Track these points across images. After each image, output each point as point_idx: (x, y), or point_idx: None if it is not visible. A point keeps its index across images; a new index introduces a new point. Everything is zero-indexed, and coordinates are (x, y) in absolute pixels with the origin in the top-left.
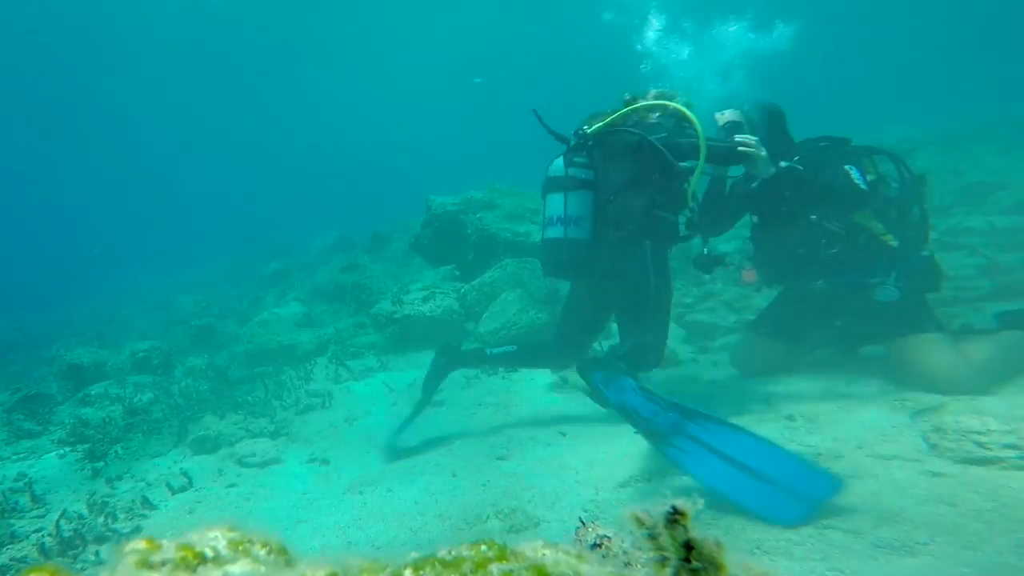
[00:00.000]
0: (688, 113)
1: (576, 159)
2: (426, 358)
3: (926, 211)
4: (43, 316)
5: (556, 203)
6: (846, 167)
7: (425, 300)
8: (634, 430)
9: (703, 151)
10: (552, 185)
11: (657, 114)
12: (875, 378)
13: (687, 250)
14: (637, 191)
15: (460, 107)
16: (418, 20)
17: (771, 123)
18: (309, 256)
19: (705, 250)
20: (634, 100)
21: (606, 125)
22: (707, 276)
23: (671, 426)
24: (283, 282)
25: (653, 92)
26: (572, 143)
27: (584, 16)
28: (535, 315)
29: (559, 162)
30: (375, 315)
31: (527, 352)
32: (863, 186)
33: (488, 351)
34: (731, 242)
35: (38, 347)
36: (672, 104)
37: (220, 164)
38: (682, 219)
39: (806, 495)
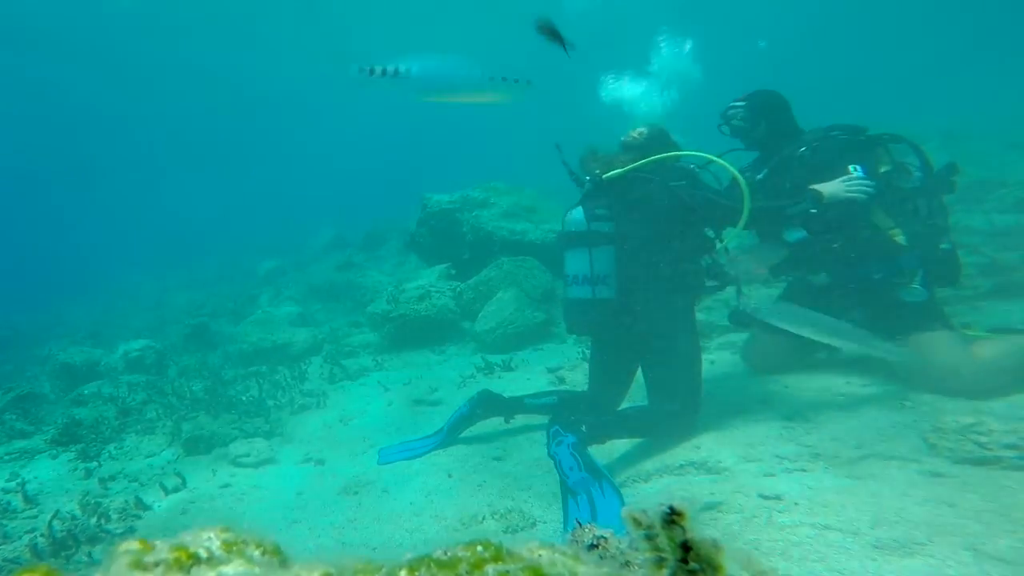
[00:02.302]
0: (733, 170)
1: (597, 211)
2: (422, 357)
3: (942, 202)
4: (36, 315)
5: (580, 260)
6: (851, 167)
7: (421, 299)
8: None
9: (746, 212)
10: (574, 240)
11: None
12: (875, 378)
13: None
14: (662, 244)
15: (456, 105)
16: (415, 18)
17: (770, 116)
18: (304, 255)
19: (740, 305)
20: (629, 140)
21: (624, 172)
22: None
23: (578, 483)
24: (277, 281)
25: (641, 130)
26: (588, 188)
27: (584, 15)
28: (531, 314)
29: (579, 214)
30: (370, 314)
31: (567, 403)
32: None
33: (527, 401)
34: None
35: (31, 346)
36: (703, 155)
37: (215, 162)
38: (706, 262)
39: None
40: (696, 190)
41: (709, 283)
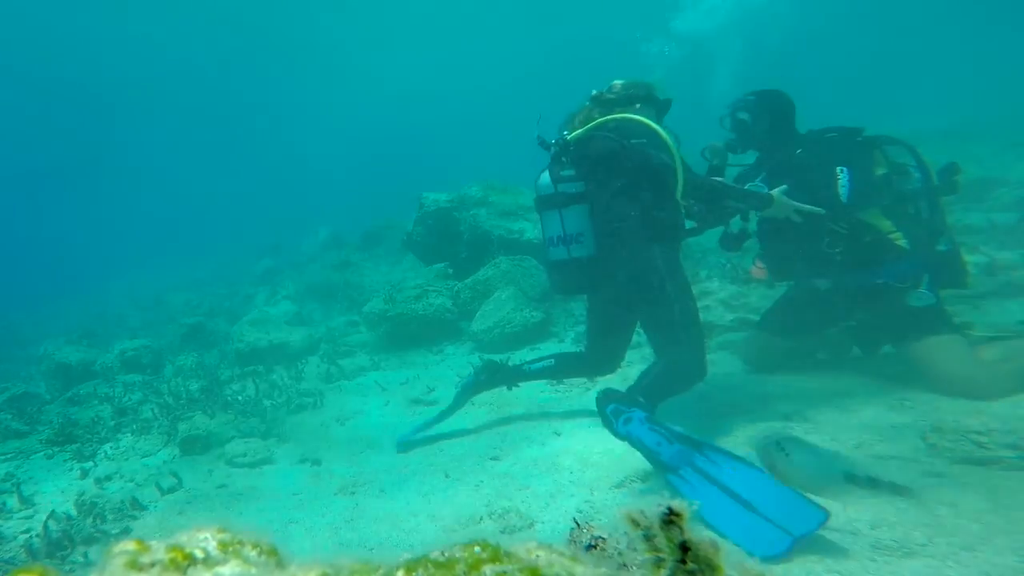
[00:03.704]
0: (660, 131)
1: (563, 173)
2: (419, 357)
3: (940, 203)
4: (31, 314)
5: (553, 222)
6: (837, 169)
7: (418, 298)
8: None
9: (680, 178)
10: (544, 203)
11: (638, 105)
12: (874, 378)
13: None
14: (630, 196)
15: (454, 103)
16: (412, 16)
17: (772, 116)
18: (300, 254)
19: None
20: (600, 95)
21: (586, 131)
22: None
23: (676, 456)
24: (274, 280)
25: (619, 83)
26: (553, 152)
27: (581, 15)
28: (529, 313)
29: (546, 178)
30: (367, 313)
31: (564, 364)
32: (844, 193)
33: (526, 367)
34: None
35: (26, 346)
36: (639, 119)
37: (210, 161)
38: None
39: (793, 529)
40: (653, 150)
41: (690, 226)
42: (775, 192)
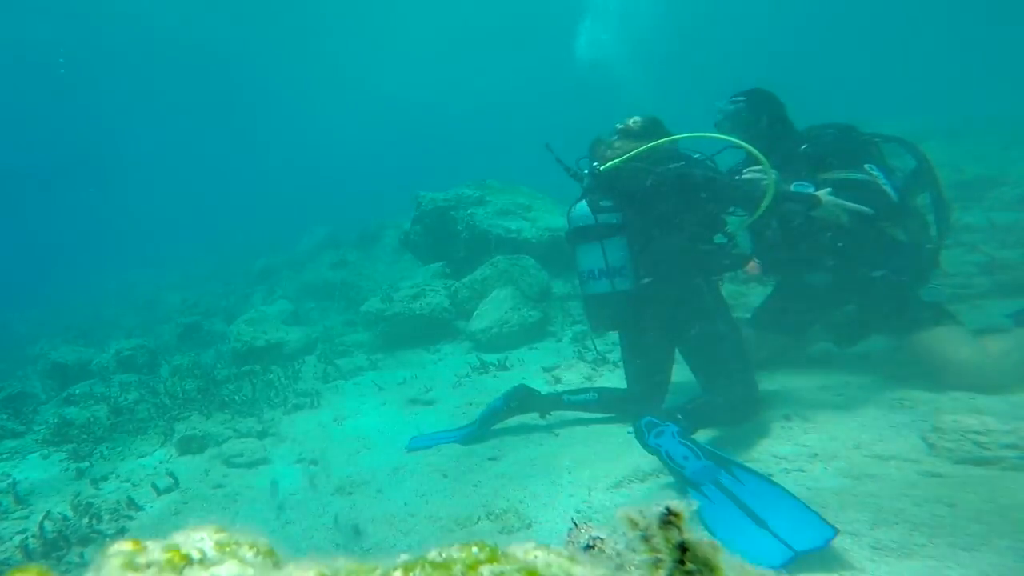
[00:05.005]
0: (756, 153)
1: (602, 203)
2: (416, 356)
3: (945, 200)
4: (27, 313)
5: (593, 255)
6: (866, 166)
7: (415, 298)
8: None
9: (769, 196)
10: (583, 235)
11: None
12: (874, 378)
13: None
14: (670, 228)
15: (451, 102)
16: (411, 18)
17: (770, 109)
18: (297, 253)
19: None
20: (626, 128)
21: (620, 162)
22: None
23: (700, 472)
24: (271, 279)
25: (636, 119)
26: (586, 182)
27: (577, 17)
28: (527, 313)
29: (584, 208)
30: (364, 313)
31: (607, 400)
32: (892, 192)
33: (565, 397)
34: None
35: (22, 345)
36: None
37: (208, 160)
38: (718, 239)
39: (796, 544)
40: (707, 171)
41: (724, 262)
42: (821, 193)
